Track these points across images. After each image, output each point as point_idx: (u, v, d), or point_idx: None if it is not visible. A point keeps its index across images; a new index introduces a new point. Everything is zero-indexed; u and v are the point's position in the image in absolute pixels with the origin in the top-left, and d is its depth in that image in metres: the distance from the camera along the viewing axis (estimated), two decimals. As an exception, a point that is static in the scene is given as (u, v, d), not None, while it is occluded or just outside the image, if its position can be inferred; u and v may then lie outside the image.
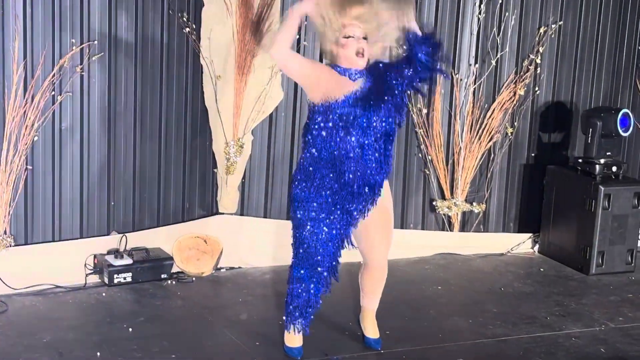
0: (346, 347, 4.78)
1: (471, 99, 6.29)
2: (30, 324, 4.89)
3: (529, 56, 6.38)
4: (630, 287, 5.96)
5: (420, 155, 6.32)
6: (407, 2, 4.36)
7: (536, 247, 6.61)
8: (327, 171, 4.36)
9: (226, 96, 5.78)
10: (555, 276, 6.13)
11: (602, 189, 6.04)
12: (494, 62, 6.31)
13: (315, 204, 4.37)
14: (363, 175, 4.35)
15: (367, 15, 4.27)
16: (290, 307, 4.53)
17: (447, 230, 6.46)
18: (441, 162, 6.31)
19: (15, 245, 5.27)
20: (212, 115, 5.83)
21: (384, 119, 4.34)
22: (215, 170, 5.95)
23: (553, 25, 6.40)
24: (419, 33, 4.32)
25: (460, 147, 6.30)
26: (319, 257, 4.41)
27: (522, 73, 6.38)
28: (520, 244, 6.60)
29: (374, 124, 4.33)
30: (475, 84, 6.30)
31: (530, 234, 6.64)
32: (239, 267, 5.96)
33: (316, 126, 4.35)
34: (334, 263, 4.46)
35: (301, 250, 4.43)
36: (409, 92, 4.46)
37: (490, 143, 6.40)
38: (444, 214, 6.40)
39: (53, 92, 5.27)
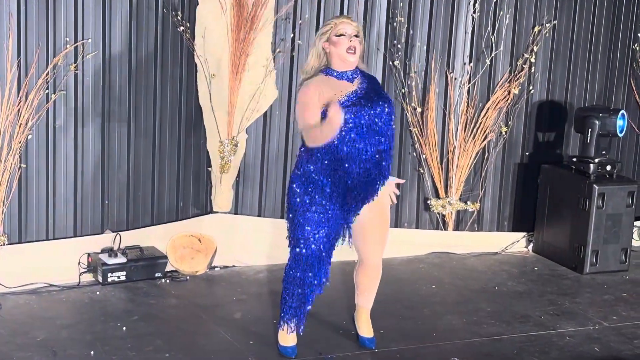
0: (340, 346, 4.78)
1: (465, 98, 6.29)
2: (24, 323, 4.88)
3: (523, 55, 6.38)
4: (624, 286, 5.96)
5: (414, 154, 6.31)
6: None
7: (530, 246, 6.61)
8: (325, 173, 4.36)
9: (220, 95, 5.78)
10: (549, 275, 6.14)
11: (597, 188, 6.04)
12: (488, 61, 6.30)
13: (312, 206, 4.37)
14: (363, 178, 4.37)
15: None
16: (285, 306, 4.54)
17: (442, 229, 6.46)
18: (435, 161, 6.30)
19: (9, 244, 5.26)
20: (206, 114, 5.82)
21: (384, 121, 4.39)
22: (209, 168, 5.94)
23: (547, 25, 6.40)
24: None
25: (455, 146, 6.30)
26: (314, 258, 4.42)
27: (516, 72, 6.38)
28: (514, 242, 6.60)
29: (374, 127, 4.36)
30: (469, 82, 6.29)
31: (524, 233, 6.64)
32: (233, 266, 5.96)
33: None
34: (328, 264, 4.48)
35: (297, 250, 4.44)
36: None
37: (485, 142, 6.40)
38: (439, 213, 6.40)
39: (47, 90, 5.26)
